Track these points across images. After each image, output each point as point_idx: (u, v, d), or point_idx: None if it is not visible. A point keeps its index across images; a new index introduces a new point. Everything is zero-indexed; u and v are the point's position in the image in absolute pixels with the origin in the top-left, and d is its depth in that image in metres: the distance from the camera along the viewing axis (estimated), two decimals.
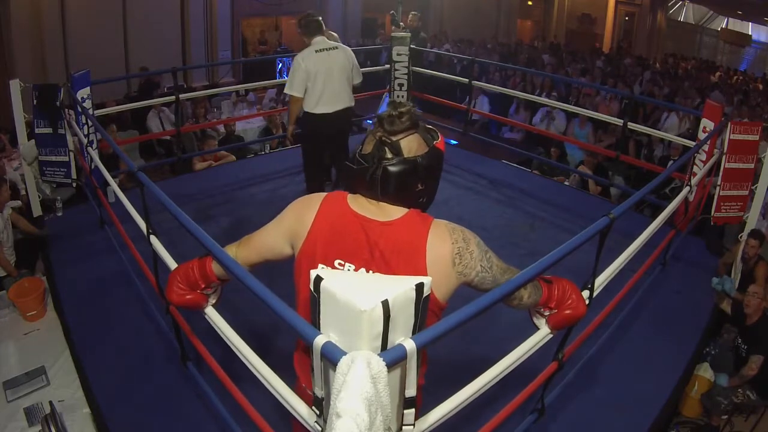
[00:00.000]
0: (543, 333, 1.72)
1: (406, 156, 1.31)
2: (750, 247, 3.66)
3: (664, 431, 2.87)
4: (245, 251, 1.54)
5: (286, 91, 3.98)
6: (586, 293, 1.99)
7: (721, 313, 3.52)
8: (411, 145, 1.33)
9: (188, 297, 1.61)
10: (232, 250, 1.55)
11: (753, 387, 3.24)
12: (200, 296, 1.64)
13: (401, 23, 5.95)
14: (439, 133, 1.40)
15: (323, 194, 1.42)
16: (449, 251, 1.32)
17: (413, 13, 6.45)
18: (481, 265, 1.36)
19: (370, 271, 1.31)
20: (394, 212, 1.34)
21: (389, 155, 1.30)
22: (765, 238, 3.74)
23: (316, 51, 3.90)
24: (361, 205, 1.35)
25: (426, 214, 1.38)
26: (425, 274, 1.28)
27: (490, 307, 1.31)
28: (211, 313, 1.77)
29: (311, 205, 1.39)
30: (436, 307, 1.34)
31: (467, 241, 1.35)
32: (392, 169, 1.30)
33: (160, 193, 2.07)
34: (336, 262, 1.32)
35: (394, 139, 1.31)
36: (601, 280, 2.10)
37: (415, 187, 1.33)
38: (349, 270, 1.32)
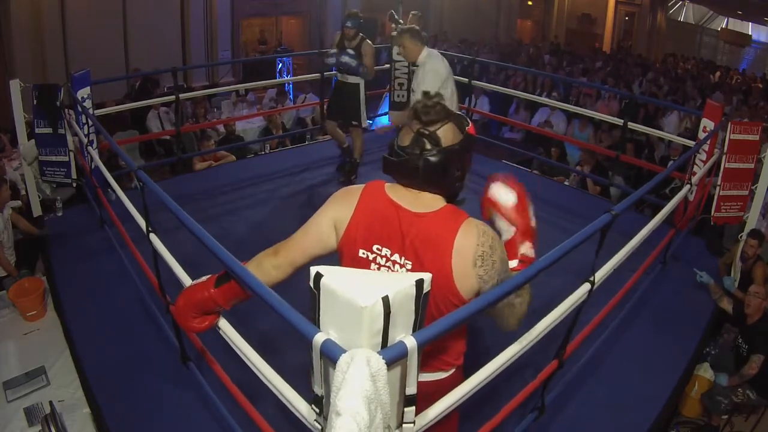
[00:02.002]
0: (540, 330, 1.72)
1: (444, 146, 1.36)
2: (749, 246, 3.66)
3: (664, 431, 2.86)
4: (287, 255, 1.49)
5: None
6: (587, 286, 1.99)
7: (722, 312, 3.52)
8: (447, 134, 1.38)
9: (206, 324, 1.59)
10: (271, 261, 1.50)
11: (753, 386, 3.24)
12: (216, 316, 1.62)
13: (401, 21, 5.94)
14: (468, 119, 1.45)
15: (362, 185, 1.47)
16: (473, 251, 1.34)
17: (413, 12, 6.44)
18: (498, 280, 1.37)
19: (403, 258, 1.36)
20: (430, 203, 1.39)
21: (429, 146, 1.35)
22: (765, 238, 3.74)
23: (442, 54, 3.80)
24: (398, 194, 1.41)
25: (462, 211, 1.41)
26: (450, 268, 1.33)
27: (490, 305, 1.31)
28: None
29: (353, 194, 1.45)
30: (461, 303, 1.36)
31: (494, 249, 1.37)
32: (433, 159, 1.35)
33: (159, 190, 2.07)
34: (374, 247, 1.38)
35: (431, 129, 1.36)
36: (601, 274, 2.11)
37: (454, 174, 1.40)
38: (385, 254, 1.37)
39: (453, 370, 1.54)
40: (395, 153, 1.39)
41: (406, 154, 1.36)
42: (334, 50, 4.53)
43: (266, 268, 1.49)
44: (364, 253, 1.39)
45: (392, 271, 1.37)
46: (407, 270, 1.35)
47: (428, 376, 1.48)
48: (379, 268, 1.38)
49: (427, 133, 1.36)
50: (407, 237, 1.35)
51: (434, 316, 1.31)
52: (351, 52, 4.39)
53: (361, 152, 4.86)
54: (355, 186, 1.49)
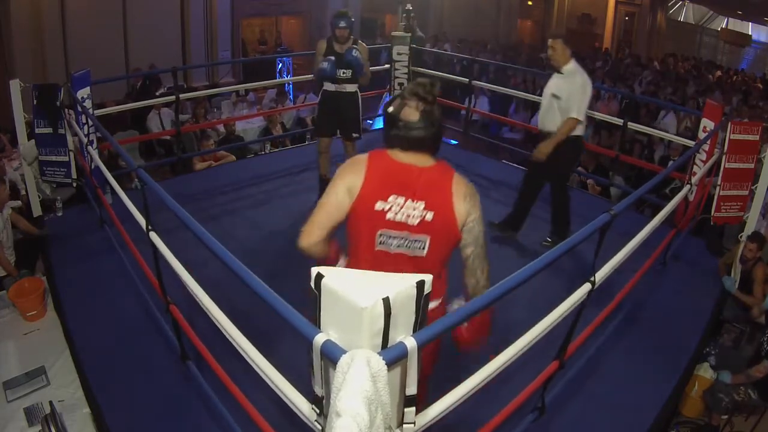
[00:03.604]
0: (540, 329, 1.72)
1: (439, 117, 1.72)
2: (748, 250, 3.65)
3: (664, 431, 2.86)
4: (320, 233, 1.70)
5: (576, 116, 3.54)
6: (588, 287, 1.99)
7: (720, 312, 3.52)
8: (438, 106, 1.73)
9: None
10: (315, 233, 1.70)
11: (755, 386, 3.24)
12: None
13: (402, 23, 5.96)
14: None
15: (366, 154, 1.73)
16: (463, 190, 1.71)
17: (408, 8, 6.45)
18: (476, 216, 1.72)
19: (416, 201, 1.65)
20: (427, 160, 1.72)
21: (434, 119, 1.69)
22: (765, 241, 3.73)
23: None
24: (400, 157, 1.70)
25: (449, 165, 1.75)
26: (452, 202, 1.67)
27: (488, 305, 1.31)
28: (213, 309, 1.78)
29: (360, 162, 1.71)
30: (455, 235, 1.70)
31: (474, 192, 1.74)
32: (437, 128, 1.70)
33: (160, 189, 2.07)
34: (390, 198, 1.65)
35: (434, 106, 1.69)
36: (602, 274, 2.11)
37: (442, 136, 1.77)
38: (400, 202, 1.64)
39: (440, 303, 1.79)
40: (407, 127, 1.67)
41: (418, 128, 1.66)
42: (330, 58, 4.04)
43: (315, 251, 1.72)
44: (381, 205, 1.64)
45: (408, 212, 1.64)
46: (422, 208, 1.64)
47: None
48: (395, 215, 1.64)
49: (430, 109, 1.68)
50: (417, 185, 1.66)
51: (441, 254, 1.70)
52: (355, 48, 4.02)
53: None
54: (360, 156, 1.74)
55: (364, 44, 4.22)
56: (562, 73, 3.63)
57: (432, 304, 1.63)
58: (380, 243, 1.66)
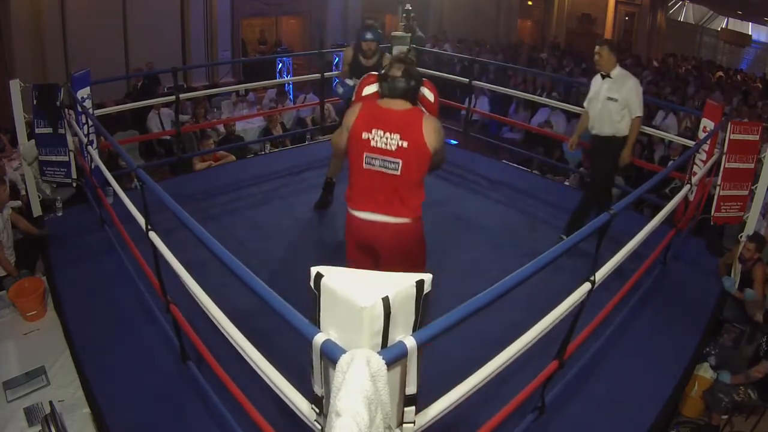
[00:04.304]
0: (540, 329, 1.72)
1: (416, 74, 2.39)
2: (746, 250, 3.65)
3: (664, 431, 2.86)
4: (337, 145, 2.54)
5: (641, 114, 3.76)
6: (587, 286, 2.00)
7: (720, 312, 3.52)
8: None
9: None
10: (340, 146, 2.49)
11: (755, 386, 3.24)
12: None
13: (401, 23, 5.96)
14: None
15: (361, 102, 2.46)
16: (431, 126, 2.33)
17: (407, 8, 6.44)
18: (441, 140, 2.37)
19: (393, 134, 2.27)
20: (405, 105, 2.36)
21: (412, 74, 2.35)
22: (764, 242, 3.73)
23: None
24: (385, 103, 2.37)
25: (421, 109, 2.43)
26: (422, 134, 2.27)
27: (487, 305, 1.31)
28: (212, 309, 1.78)
29: (357, 107, 2.42)
30: (428, 156, 2.31)
31: (438, 124, 2.37)
32: (416, 82, 2.38)
33: (159, 189, 2.07)
34: (373, 130, 2.29)
35: (412, 66, 2.37)
36: (602, 274, 2.11)
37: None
38: (379, 134, 2.28)
39: (415, 218, 2.39)
40: (392, 81, 2.33)
41: (400, 80, 2.32)
42: (347, 82, 3.89)
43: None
44: (366, 135, 2.30)
45: (386, 141, 2.27)
46: (398, 138, 2.26)
47: (393, 219, 2.35)
48: (376, 143, 2.28)
49: (409, 69, 2.35)
50: (393, 122, 2.29)
51: (413, 174, 2.29)
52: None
53: None
54: (357, 104, 2.46)
55: (389, 56, 4.01)
56: (611, 77, 3.80)
57: (404, 220, 2.35)
58: (367, 163, 2.29)
